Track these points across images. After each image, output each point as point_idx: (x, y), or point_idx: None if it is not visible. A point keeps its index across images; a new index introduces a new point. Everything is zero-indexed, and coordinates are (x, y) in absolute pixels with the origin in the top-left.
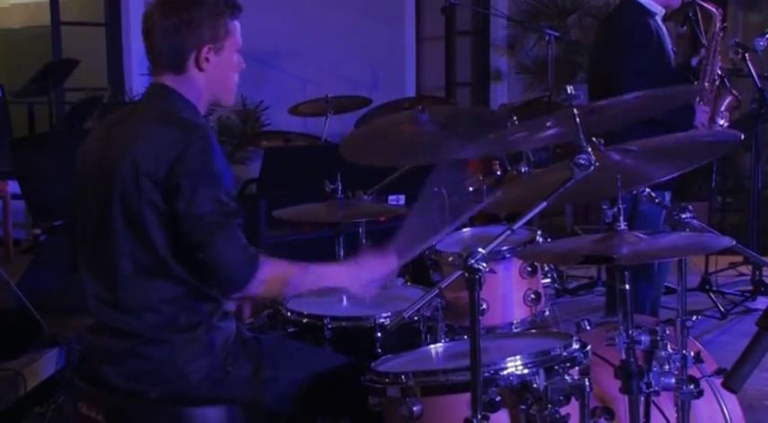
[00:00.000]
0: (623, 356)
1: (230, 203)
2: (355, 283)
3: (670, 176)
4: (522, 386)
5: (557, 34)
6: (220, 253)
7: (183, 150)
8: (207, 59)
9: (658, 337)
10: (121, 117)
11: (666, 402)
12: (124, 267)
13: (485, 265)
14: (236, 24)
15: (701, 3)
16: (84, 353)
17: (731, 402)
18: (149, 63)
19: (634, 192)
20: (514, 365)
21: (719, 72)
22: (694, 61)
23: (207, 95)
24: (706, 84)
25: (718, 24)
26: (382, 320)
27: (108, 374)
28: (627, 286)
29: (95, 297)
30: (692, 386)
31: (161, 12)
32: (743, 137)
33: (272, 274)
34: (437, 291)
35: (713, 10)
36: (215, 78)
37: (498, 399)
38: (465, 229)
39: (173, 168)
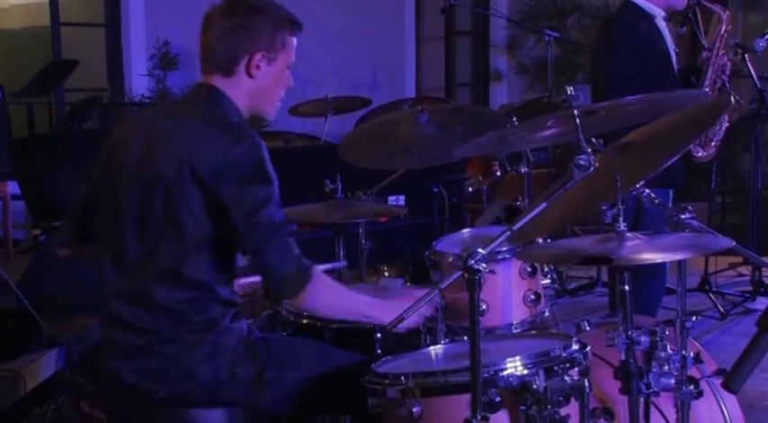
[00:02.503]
0: (623, 357)
1: (281, 212)
2: (381, 311)
3: (673, 159)
4: (521, 387)
5: (556, 35)
6: (272, 262)
7: (236, 158)
8: (258, 67)
9: (658, 338)
10: (166, 112)
11: (666, 403)
12: (153, 264)
13: (484, 265)
14: (294, 41)
15: (707, 4)
16: (88, 350)
17: (731, 403)
18: (200, 62)
19: (634, 192)
20: (514, 366)
21: (726, 75)
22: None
23: (249, 103)
24: (707, 88)
25: (723, 26)
26: None
27: (117, 370)
28: (626, 287)
29: (113, 288)
30: (691, 387)
31: (222, 13)
32: (733, 99)
33: (328, 291)
34: (437, 291)
35: (720, 12)
36: (261, 88)
37: (498, 399)
38: (465, 230)
39: (223, 175)
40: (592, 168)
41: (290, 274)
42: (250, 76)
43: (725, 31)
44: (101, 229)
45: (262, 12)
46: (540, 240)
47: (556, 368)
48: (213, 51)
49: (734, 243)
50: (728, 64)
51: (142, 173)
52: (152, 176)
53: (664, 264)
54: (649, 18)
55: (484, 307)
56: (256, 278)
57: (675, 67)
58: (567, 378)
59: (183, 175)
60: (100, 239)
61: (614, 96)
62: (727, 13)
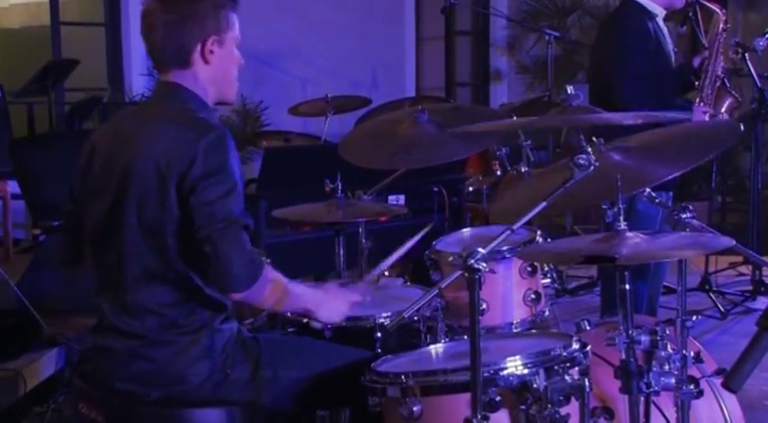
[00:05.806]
0: (623, 356)
1: (241, 205)
2: (324, 309)
3: (673, 176)
4: (521, 386)
5: (556, 34)
6: (224, 255)
7: (202, 151)
8: (212, 52)
9: (658, 337)
10: (132, 116)
11: (666, 402)
12: (131, 268)
13: (485, 264)
14: (236, 18)
15: (704, 2)
16: (86, 352)
17: (731, 402)
18: (153, 61)
19: (634, 192)
20: (514, 365)
21: (721, 73)
22: (696, 61)
23: (212, 90)
24: (707, 89)
25: (721, 25)
26: (382, 320)
27: (108, 375)
28: (627, 286)
29: (100, 295)
30: (691, 386)
31: (162, 7)
32: (742, 127)
33: (276, 284)
34: (437, 291)
35: (717, 10)
36: (219, 72)
37: (498, 399)
38: (465, 230)
39: (190, 168)
40: (592, 168)
41: (241, 269)
42: (206, 62)
43: (722, 29)
44: (87, 234)
45: None
46: (541, 240)
47: (556, 367)
48: (164, 47)
49: (734, 242)
50: (722, 63)
51: (113, 177)
52: (122, 182)
53: (659, 263)
54: (652, 17)
55: (484, 306)
56: None
57: (674, 66)
58: (567, 377)
59: (161, 178)
60: (87, 245)
61: (626, 97)
62: (723, 10)
